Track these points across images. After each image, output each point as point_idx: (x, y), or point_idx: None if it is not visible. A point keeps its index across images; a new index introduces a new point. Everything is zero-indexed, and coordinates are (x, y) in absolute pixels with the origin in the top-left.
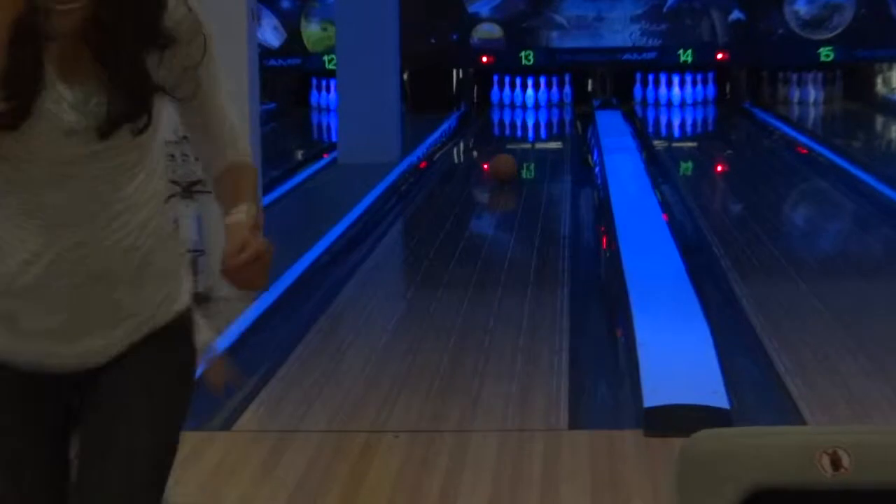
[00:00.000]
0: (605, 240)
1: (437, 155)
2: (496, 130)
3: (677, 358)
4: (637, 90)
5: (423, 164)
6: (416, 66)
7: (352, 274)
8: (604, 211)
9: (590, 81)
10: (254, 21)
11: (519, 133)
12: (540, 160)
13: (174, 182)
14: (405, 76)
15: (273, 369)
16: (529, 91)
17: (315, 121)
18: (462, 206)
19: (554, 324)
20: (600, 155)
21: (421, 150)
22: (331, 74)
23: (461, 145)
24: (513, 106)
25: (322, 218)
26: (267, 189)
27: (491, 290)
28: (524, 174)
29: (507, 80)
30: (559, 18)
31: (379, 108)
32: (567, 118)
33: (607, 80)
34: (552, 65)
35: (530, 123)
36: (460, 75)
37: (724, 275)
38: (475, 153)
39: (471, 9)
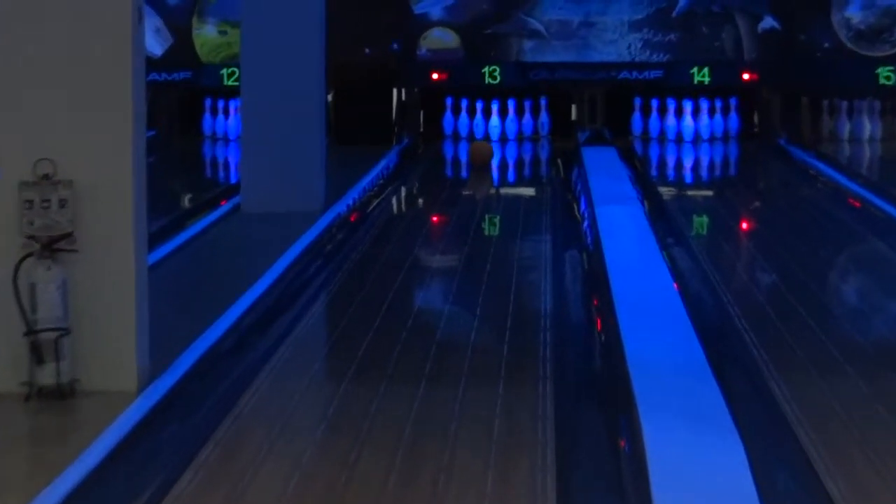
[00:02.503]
0: (598, 320)
1: (374, 204)
2: (449, 171)
3: (699, 478)
4: (637, 120)
5: (353, 216)
6: (344, 84)
7: (264, 362)
8: (597, 281)
9: (574, 108)
10: (141, 23)
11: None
12: (509, 212)
13: (31, 237)
14: (329, 97)
15: (165, 487)
16: (494, 119)
17: (209, 155)
18: (408, 273)
19: (534, 431)
20: (589, 206)
21: (351, 197)
22: (231, 93)
23: (403, 191)
24: (472, 138)
25: (222, 287)
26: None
27: (450, 386)
28: (487, 230)
29: (464, 104)
30: (535, 23)
31: (296, 140)
32: (544, 156)
33: (598, 106)
34: (525, 85)
35: (495, 162)
36: (403, 97)
37: (757, 368)
38: (422, 201)
39: (417, 8)
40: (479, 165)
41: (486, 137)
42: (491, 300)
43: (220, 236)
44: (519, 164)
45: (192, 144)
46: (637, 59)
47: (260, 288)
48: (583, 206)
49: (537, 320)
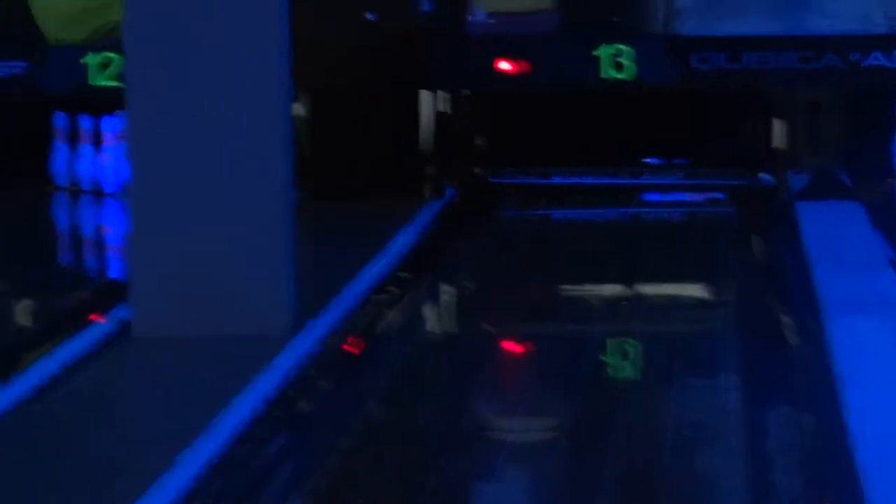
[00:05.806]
0: None
1: (386, 320)
2: (537, 253)
3: None
4: None
5: (348, 343)
6: (327, 86)
7: None
8: (839, 472)
9: (779, 126)
10: None
11: (589, 264)
12: (656, 332)
13: None
14: (300, 107)
15: None
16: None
17: (64, 222)
18: (455, 457)
19: None
20: (813, 318)
21: (342, 309)
22: (106, 104)
23: (442, 294)
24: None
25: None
26: None
27: None
28: (611, 370)
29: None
30: None
31: (236, 196)
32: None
33: (824, 122)
34: (682, 81)
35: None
36: (440, 107)
37: None
38: (480, 314)
39: None
40: None
41: None
42: None
43: (91, 385)
44: (670, 235)
45: (31, 202)
46: None
47: (168, 493)
48: (803, 319)
49: None
